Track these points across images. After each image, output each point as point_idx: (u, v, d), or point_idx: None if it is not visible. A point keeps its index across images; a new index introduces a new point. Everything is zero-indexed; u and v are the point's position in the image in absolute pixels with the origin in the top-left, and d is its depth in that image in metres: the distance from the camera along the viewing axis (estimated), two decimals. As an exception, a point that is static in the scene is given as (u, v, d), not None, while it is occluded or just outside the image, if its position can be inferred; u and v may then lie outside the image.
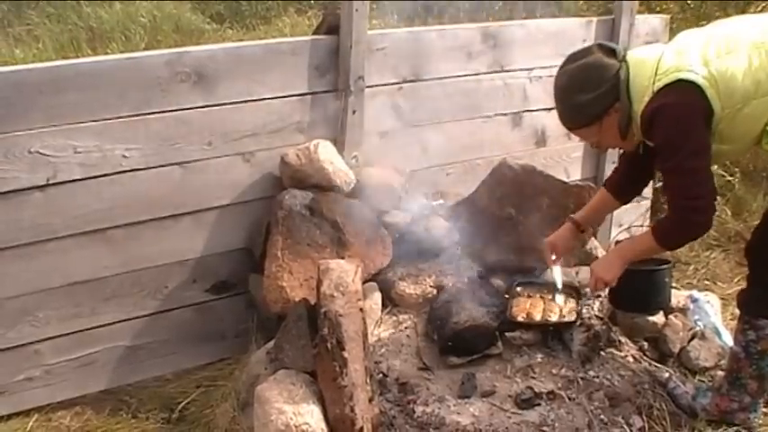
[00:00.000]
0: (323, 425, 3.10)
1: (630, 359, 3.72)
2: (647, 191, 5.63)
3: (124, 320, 4.04)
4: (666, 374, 3.62)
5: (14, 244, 3.70)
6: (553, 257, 3.76)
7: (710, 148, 3.08)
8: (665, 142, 3.07)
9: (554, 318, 3.76)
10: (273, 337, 3.55)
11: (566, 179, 4.65)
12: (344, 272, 3.19)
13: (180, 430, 3.80)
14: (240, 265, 4.21)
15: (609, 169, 5.21)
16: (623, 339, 3.81)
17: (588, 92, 3.14)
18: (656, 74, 3.06)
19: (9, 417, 3.91)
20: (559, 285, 3.82)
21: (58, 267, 3.82)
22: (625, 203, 3.79)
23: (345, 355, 3.04)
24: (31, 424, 3.89)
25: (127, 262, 3.96)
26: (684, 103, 3.01)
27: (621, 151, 3.67)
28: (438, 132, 4.58)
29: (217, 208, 4.10)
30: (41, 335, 3.89)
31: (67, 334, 3.94)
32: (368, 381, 3.15)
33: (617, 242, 3.86)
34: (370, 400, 3.17)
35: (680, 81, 3.01)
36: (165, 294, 4.10)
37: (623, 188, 3.68)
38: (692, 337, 3.85)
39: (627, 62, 3.16)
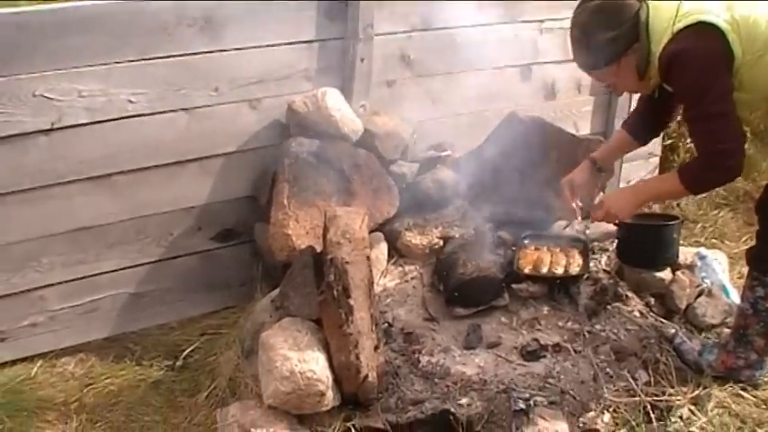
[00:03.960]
0: (328, 372, 3.08)
1: (637, 314, 3.70)
2: (657, 148, 5.59)
3: (128, 267, 4.04)
4: (672, 330, 3.60)
5: (19, 189, 3.68)
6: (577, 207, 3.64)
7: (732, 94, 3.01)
8: (688, 89, 3.00)
9: (561, 271, 3.74)
10: (278, 285, 3.53)
11: (575, 133, 4.59)
12: (351, 219, 3.16)
13: (184, 378, 3.81)
14: (246, 214, 4.19)
15: (618, 124, 5.16)
16: (630, 294, 3.79)
17: (608, 30, 3.05)
18: (676, 15, 2.98)
19: (14, 362, 3.92)
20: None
21: (63, 213, 3.80)
22: (643, 144, 3.70)
23: (351, 302, 3.02)
24: (35, 370, 3.90)
25: (132, 208, 3.94)
26: (705, 47, 2.93)
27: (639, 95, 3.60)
28: (447, 83, 4.53)
29: (222, 155, 4.07)
30: (46, 281, 3.88)
31: (72, 280, 3.94)
32: (373, 329, 3.13)
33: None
34: (376, 349, 3.16)
35: (701, 24, 2.92)
36: (170, 242, 4.08)
37: (642, 129, 3.59)
38: (699, 294, 3.82)
39: (647, 2, 3.08)
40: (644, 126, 3.58)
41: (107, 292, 4.03)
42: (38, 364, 3.93)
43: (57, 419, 3.59)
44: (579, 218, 3.68)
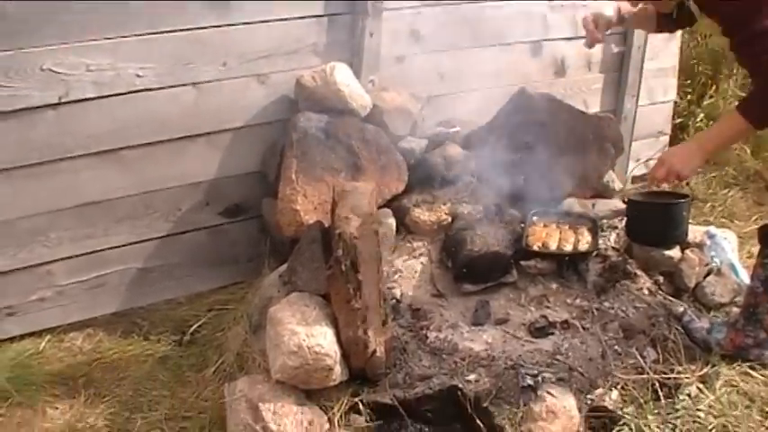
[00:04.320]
0: (335, 347, 3.08)
1: (645, 292, 3.68)
2: (667, 127, 5.57)
3: (136, 242, 4.03)
4: (681, 309, 3.58)
5: (26, 163, 3.67)
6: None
7: None
8: (737, 8, 2.85)
9: (569, 247, 3.73)
10: (286, 261, 3.52)
11: (584, 110, 4.56)
12: (360, 194, 3.14)
13: (191, 353, 3.82)
14: (253, 189, 4.18)
15: (629, 102, 5.16)
16: (639, 272, 3.77)
17: None
18: None
19: (22, 337, 3.93)
20: None
21: (70, 188, 3.80)
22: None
23: (359, 277, 3.01)
24: (43, 345, 3.91)
25: (139, 183, 3.93)
26: None
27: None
28: (456, 59, 4.50)
29: (231, 130, 4.06)
30: (53, 255, 3.88)
31: (79, 255, 3.93)
32: (381, 304, 3.13)
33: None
34: (384, 324, 3.15)
35: None
36: (178, 217, 4.07)
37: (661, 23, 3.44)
38: (708, 273, 3.81)
39: None
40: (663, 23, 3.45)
41: (115, 267, 4.03)
42: (46, 339, 3.94)
43: (64, 394, 3.60)
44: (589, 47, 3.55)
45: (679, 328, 3.51)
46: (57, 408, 3.52)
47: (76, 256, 3.92)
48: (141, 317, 4.09)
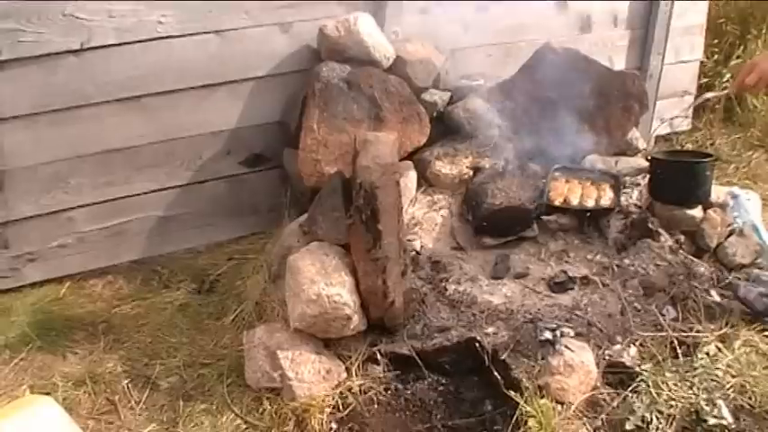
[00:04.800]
0: (354, 296, 3.09)
1: (667, 251, 3.65)
2: (692, 86, 5.50)
3: (157, 190, 4.04)
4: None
5: (48, 109, 3.68)
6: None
7: None
8: None
9: (591, 203, 3.70)
10: (306, 211, 3.52)
11: (610, 67, 4.50)
12: (382, 144, 3.13)
13: (210, 301, 3.83)
14: (275, 139, 4.16)
15: (654, 60, 5.09)
16: (660, 231, 3.73)
17: None
18: None
19: (43, 283, 3.97)
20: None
21: (92, 134, 3.80)
22: None
23: (380, 227, 3.00)
24: (63, 291, 3.94)
25: (161, 131, 3.92)
26: None
27: None
28: (481, 12, 4.42)
29: (253, 79, 4.03)
30: (74, 202, 3.90)
31: (100, 202, 3.95)
32: (401, 254, 3.13)
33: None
34: (403, 274, 3.16)
35: None
36: (199, 165, 4.07)
37: None
38: (730, 234, 3.76)
39: None
40: None
41: (135, 215, 4.04)
42: (66, 285, 3.97)
43: (84, 339, 3.63)
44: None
45: (699, 286, 3.48)
46: (76, 353, 3.55)
47: (97, 203, 3.94)
48: (161, 265, 4.11)
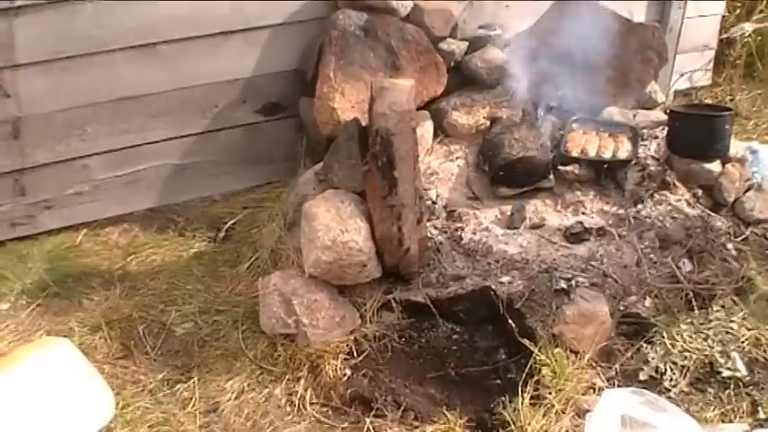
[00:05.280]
0: (370, 243, 3.08)
1: (684, 204, 3.63)
2: (713, 41, 5.43)
3: (172, 138, 4.03)
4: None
5: (64, 56, 3.66)
6: None
7: None
8: None
9: (609, 155, 3.68)
10: (322, 161, 3.50)
11: (629, 19, 4.44)
12: (398, 91, 3.09)
13: (226, 249, 3.84)
14: (291, 87, 4.13)
15: (675, 13, 5.01)
16: (677, 184, 3.71)
17: None
18: None
19: (59, 231, 3.99)
20: None
21: (107, 82, 3.79)
22: None
23: (396, 174, 2.99)
24: (80, 238, 3.96)
25: (176, 79, 3.91)
26: None
27: None
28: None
29: (269, 27, 3.99)
30: (90, 150, 3.90)
31: (116, 150, 3.95)
32: (417, 202, 3.11)
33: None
34: (419, 222, 3.14)
35: None
36: (215, 114, 4.05)
37: None
38: (748, 189, 3.74)
39: None
40: None
41: (151, 163, 4.03)
42: (82, 233, 3.99)
43: (100, 286, 3.66)
44: None
45: (715, 240, 3.46)
46: (92, 299, 3.58)
47: (113, 150, 3.93)
48: (177, 213, 4.11)
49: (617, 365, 3.02)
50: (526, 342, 3.00)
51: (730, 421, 2.84)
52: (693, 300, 3.21)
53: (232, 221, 3.99)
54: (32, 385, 2.37)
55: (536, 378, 2.92)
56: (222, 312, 3.43)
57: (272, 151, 4.23)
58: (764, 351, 3.03)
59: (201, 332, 3.35)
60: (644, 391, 2.06)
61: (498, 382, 3.02)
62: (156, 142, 4.00)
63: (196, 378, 3.12)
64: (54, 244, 3.91)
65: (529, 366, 2.96)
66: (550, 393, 2.87)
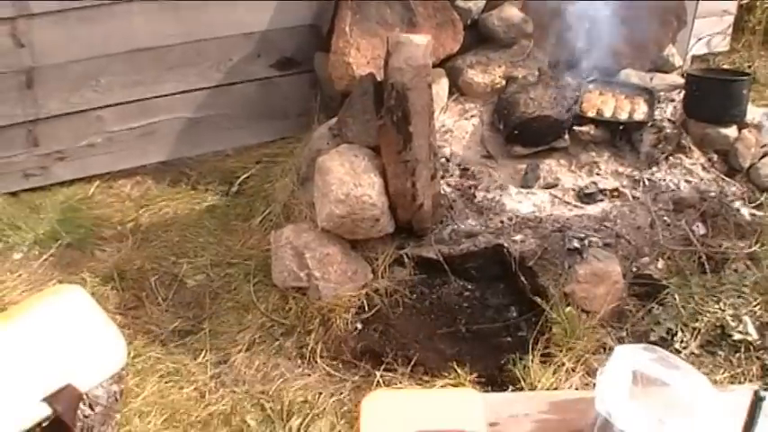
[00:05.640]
0: (383, 198, 3.07)
1: (699, 168, 3.61)
2: (732, 7, 5.37)
3: (186, 91, 4.02)
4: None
5: (79, 6, 3.65)
6: None
7: None
8: None
9: (624, 116, 3.65)
10: (336, 117, 3.49)
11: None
12: (415, 46, 3.06)
13: (238, 203, 3.85)
14: (306, 43, 4.11)
15: (694, -26, 4.94)
16: (693, 148, 3.69)
17: None
18: None
19: (71, 182, 4.00)
20: None
21: (122, 33, 3.78)
22: None
23: (410, 128, 2.97)
24: (92, 190, 3.97)
25: (191, 31, 3.89)
26: None
27: None
28: None
29: (285, -19, 3.98)
30: (104, 101, 3.90)
31: (129, 102, 3.95)
32: (431, 158, 3.10)
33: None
34: (432, 178, 3.13)
35: None
36: (229, 67, 4.04)
37: None
38: (764, 155, 3.70)
39: None
40: None
41: (164, 116, 4.03)
42: (95, 185, 4.00)
43: (113, 237, 3.68)
44: None
45: (729, 204, 3.44)
46: (105, 250, 3.60)
47: (126, 102, 3.93)
48: (189, 167, 4.12)
49: (628, 326, 3.02)
50: (538, 300, 3.00)
51: (740, 384, 2.84)
52: (706, 263, 3.19)
53: (245, 176, 3.99)
54: (45, 331, 2.37)
55: (547, 336, 2.93)
56: (234, 265, 3.44)
57: (285, 106, 4.22)
58: (776, 315, 3.03)
59: (213, 284, 3.37)
60: (656, 347, 2.04)
61: (509, 339, 3.04)
62: (170, 95, 4.00)
63: (207, 329, 3.14)
64: (66, 195, 3.93)
65: (540, 324, 2.97)
66: (561, 352, 2.88)
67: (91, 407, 2.36)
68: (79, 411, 2.29)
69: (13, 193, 3.89)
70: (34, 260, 3.53)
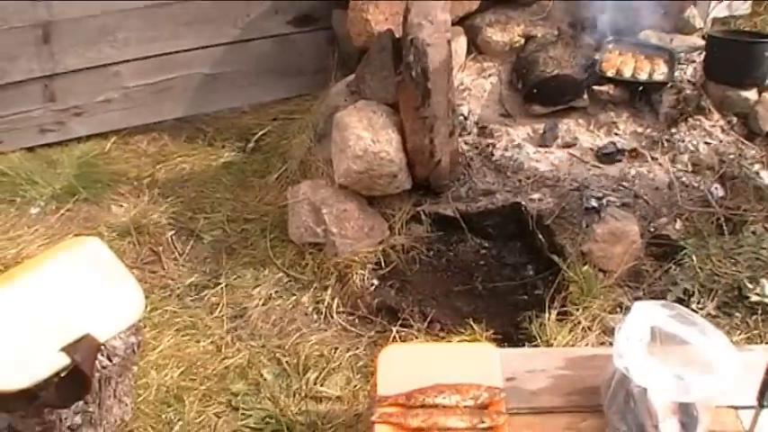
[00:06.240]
0: (401, 154, 3.07)
1: (718, 130, 3.58)
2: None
3: (203, 47, 4.01)
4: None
5: (96, -41, 3.63)
6: None
7: None
8: None
9: (644, 77, 3.61)
10: (353, 74, 3.48)
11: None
12: (434, 2, 3.04)
13: (255, 159, 3.85)
14: (324, -1, 4.10)
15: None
16: (712, 110, 3.65)
17: None
18: None
19: (88, 138, 4.01)
20: None
21: (140, -14, 3.76)
22: None
23: (429, 85, 2.96)
24: (108, 146, 3.98)
25: (208, -15, 3.87)
26: None
27: None
28: None
29: (302, -65, 3.95)
30: (121, 56, 3.90)
31: (146, 57, 3.94)
32: (449, 115, 3.08)
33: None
34: (450, 135, 3.12)
35: None
36: (246, 23, 4.02)
37: None
38: (785, 118, 3.68)
39: None
40: None
41: (181, 72, 4.02)
42: (111, 140, 4.00)
43: (129, 192, 3.68)
44: None
45: (749, 167, 3.42)
46: (122, 205, 3.60)
47: (143, 57, 3.92)
48: (206, 123, 4.11)
49: (645, 286, 3.01)
50: (555, 259, 3.00)
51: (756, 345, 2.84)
52: (724, 225, 3.18)
53: (261, 132, 3.99)
54: (64, 281, 2.38)
55: (563, 295, 2.93)
56: (251, 221, 3.45)
57: (302, 63, 4.20)
58: (793, 278, 3.02)
59: (230, 240, 3.38)
60: (674, 304, 2.04)
61: (525, 297, 3.04)
62: (187, 51, 3.98)
63: (224, 284, 3.16)
64: (83, 151, 3.93)
65: (556, 283, 2.97)
66: (578, 310, 2.88)
67: (109, 358, 2.38)
68: (97, 362, 2.30)
69: (30, 149, 3.90)
70: (51, 215, 3.55)
